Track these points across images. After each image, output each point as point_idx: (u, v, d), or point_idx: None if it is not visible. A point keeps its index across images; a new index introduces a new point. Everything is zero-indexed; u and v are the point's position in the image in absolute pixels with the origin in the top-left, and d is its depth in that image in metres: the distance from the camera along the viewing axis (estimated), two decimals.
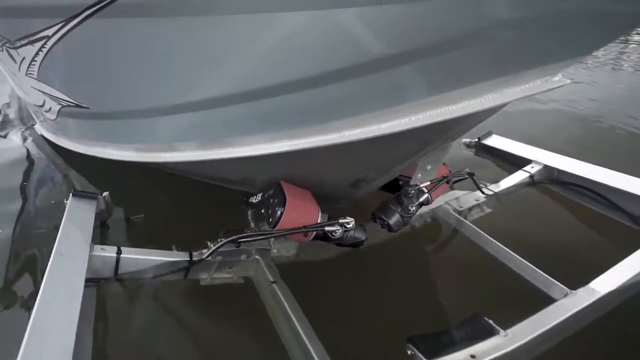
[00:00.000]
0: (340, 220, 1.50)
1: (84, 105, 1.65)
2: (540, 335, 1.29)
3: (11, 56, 1.84)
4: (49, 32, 1.43)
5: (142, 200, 2.31)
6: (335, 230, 1.48)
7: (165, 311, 1.65)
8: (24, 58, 1.74)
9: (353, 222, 1.50)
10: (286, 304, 1.44)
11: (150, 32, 1.21)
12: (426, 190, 1.57)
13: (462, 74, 0.97)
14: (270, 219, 1.48)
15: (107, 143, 1.78)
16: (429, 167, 1.32)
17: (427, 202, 1.60)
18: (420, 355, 1.19)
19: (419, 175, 1.35)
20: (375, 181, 1.54)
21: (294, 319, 1.38)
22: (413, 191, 1.55)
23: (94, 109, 1.63)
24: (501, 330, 1.27)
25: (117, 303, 1.58)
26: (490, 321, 1.30)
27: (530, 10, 0.83)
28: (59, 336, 1.10)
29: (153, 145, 1.59)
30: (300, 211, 1.48)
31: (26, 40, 1.59)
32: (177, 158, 1.52)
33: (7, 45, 1.79)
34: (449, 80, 0.99)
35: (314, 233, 1.50)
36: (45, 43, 1.49)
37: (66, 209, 1.71)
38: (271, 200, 1.53)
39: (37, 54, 1.59)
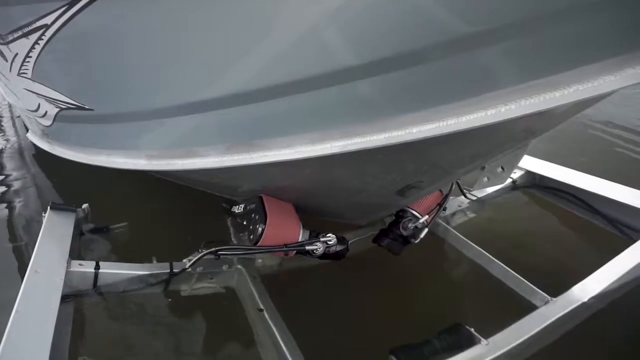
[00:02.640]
0: (322, 239, 1.48)
1: (86, 107, 1.43)
2: (521, 344, 1.29)
3: (1, 53, 1.62)
4: (47, 20, 1.21)
5: (123, 209, 2.25)
6: (317, 248, 1.47)
7: (145, 321, 1.62)
8: (16, 55, 1.51)
9: (334, 239, 1.49)
10: (275, 331, 1.39)
11: (170, 14, 1.00)
12: (424, 225, 1.64)
13: (571, 51, 0.78)
14: (252, 236, 1.45)
15: (112, 150, 1.56)
16: (499, 170, 1.13)
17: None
18: None
19: (485, 179, 1.16)
20: (428, 187, 1.34)
21: (282, 346, 1.33)
22: (412, 225, 1.64)
23: (98, 111, 1.41)
24: (482, 339, 1.28)
25: (96, 315, 1.55)
26: (472, 330, 1.31)
27: None
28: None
29: (168, 150, 1.37)
30: (281, 229, 1.46)
31: (19, 33, 1.36)
32: (197, 165, 1.31)
33: None
34: (552, 61, 0.80)
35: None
36: (43, 34, 1.27)
37: (43, 222, 1.64)
38: (253, 215, 1.49)
39: (32, 47, 1.37)
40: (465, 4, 0.75)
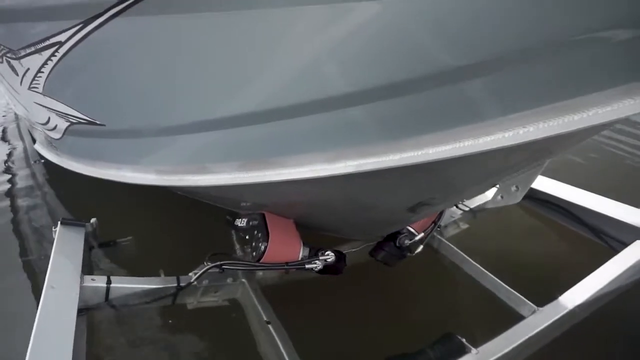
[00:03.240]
0: (320, 257, 1.54)
1: (98, 122, 1.43)
2: (509, 352, 1.36)
3: (12, 68, 1.62)
4: (61, 38, 1.21)
5: (128, 222, 2.29)
6: (316, 266, 1.53)
7: (153, 333, 1.70)
8: (28, 69, 1.51)
9: (333, 256, 1.54)
10: (279, 342, 1.45)
11: (187, 32, 1.00)
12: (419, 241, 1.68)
13: (592, 75, 0.78)
14: (254, 253, 1.51)
15: (122, 164, 1.56)
16: (513, 188, 1.13)
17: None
18: None
19: (499, 197, 1.15)
20: (440, 205, 1.34)
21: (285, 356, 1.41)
22: (408, 242, 1.68)
23: (110, 126, 1.41)
24: (473, 349, 1.34)
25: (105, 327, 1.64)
26: (463, 340, 1.37)
27: None
28: None
29: (179, 166, 1.37)
30: (283, 247, 1.51)
31: (32, 49, 1.37)
32: (209, 182, 1.30)
33: (8, 55, 1.57)
34: (571, 85, 0.80)
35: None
36: (56, 50, 1.27)
37: (55, 238, 1.67)
38: (255, 231, 1.54)
39: (45, 63, 1.37)
40: (487, 29, 0.75)
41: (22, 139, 3.62)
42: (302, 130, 1.04)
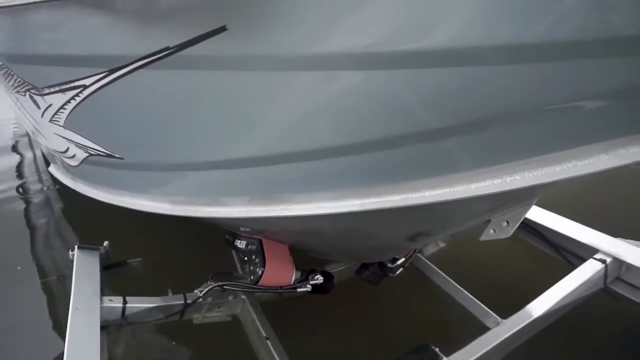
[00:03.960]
0: (311, 281, 1.71)
1: (117, 156, 1.52)
2: None
3: (35, 102, 1.72)
4: (86, 82, 1.31)
5: (136, 243, 2.46)
6: (307, 289, 1.71)
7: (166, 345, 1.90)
8: (50, 105, 1.61)
9: (322, 279, 1.72)
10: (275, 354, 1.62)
11: (202, 85, 1.10)
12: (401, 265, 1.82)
13: (573, 133, 0.87)
14: (252, 276, 1.66)
15: (137, 193, 1.65)
16: (504, 224, 1.22)
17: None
18: None
19: (491, 231, 1.24)
20: (438, 235, 1.43)
21: None
22: (390, 265, 1.82)
23: (128, 160, 1.50)
24: (444, 357, 1.48)
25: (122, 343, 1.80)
26: (437, 349, 1.50)
27: None
28: None
29: (193, 198, 1.46)
30: (278, 273, 1.67)
31: (57, 88, 1.47)
32: (221, 214, 1.39)
33: (32, 91, 1.67)
34: (554, 141, 0.89)
35: None
36: (80, 92, 1.37)
37: (74, 262, 1.84)
38: (253, 256, 1.68)
39: (68, 102, 1.47)
40: (481, 92, 0.84)
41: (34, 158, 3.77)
42: (307, 172, 1.13)
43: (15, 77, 1.72)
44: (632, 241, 2.04)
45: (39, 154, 3.70)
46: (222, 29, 0.91)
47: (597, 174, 0.92)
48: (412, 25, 0.78)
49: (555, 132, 0.88)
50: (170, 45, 1.00)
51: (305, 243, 1.81)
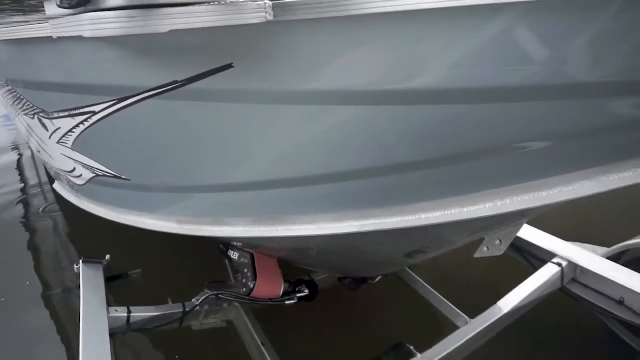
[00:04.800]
0: (298, 294, 1.85)
1: (124, 177, 1.57)
2: (447, 356, 1.69)
3: (43, 125, 1.78)
4: (95, 108, 1.37)
5: (135, 255, 2.56)
6: (294, 301, 1.84)
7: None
8: (58, 128, 1.67)
9: (307, 291, 1.86)
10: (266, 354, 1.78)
11: (210, 115, 1.15)
12: None
13: (560, 163, 0.93)
14: (244, 289, 1.79)
15: (144, 212, 1.70)
16: (497, 242, 1.28)
17: None
18: None
19: (485, 249, 1.30)
20: (433, 252, 1.49)
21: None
22: None
23: (135, 181, 1.56)
24: (418, 354, 1.65)
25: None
26: (412, 347, 1.68)
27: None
28: None
29: (199, 218, 1.52)
30: (268, 286, 1.79)
31: (66, 114, 1.53)
32: (225, 233, 1.45)
33: (41, 114, 1.73)
34: (543, 169, 0.95)
35: None
36: (89, 117, 1.42)
37: (80, 276, 1.96)
38: (245, 270, 1.78)
39: (76, 126, 1.52)
40: (471, 127, 0.90)
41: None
42: (309, 195, 1.19)
43: (25, 101, 1.78)
44: (587, 245, 2.21)
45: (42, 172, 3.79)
46: (229, 66, 0.97)
47: (583, 198, 0.99)
48: (402, 68, 0.85)
49: (540, 161, 0.94)
50: (179, 79, 1.06)
51: (302, 259, 1.88)
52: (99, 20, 0.85)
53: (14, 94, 1.86)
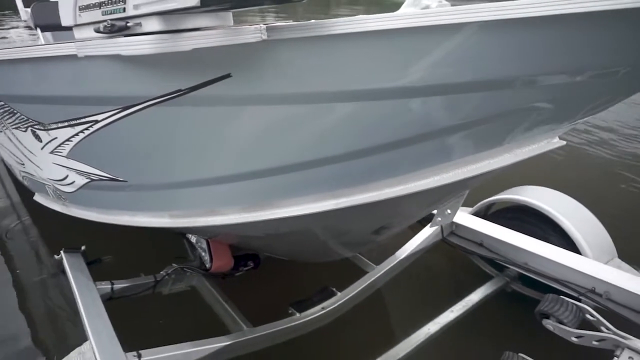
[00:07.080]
0: (245, 268, 2.45)
1: (120, 179, 1.75)
2: (358, 292, 2.32)
3: (36, 137, 1.92)
4: (98, 117, 1.55)
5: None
6: (242, 273, 2.45)
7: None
8: (54, 138, 1.82)
9: (252, 264, 2.47)
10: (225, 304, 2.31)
11: (208, 118, 1.37)
12: None
13: (486, 141, 1.23)
14: (202, 267, 2.37)
15: (137, 212, 1.87)
16: (448, 211, 1.57)
17: None
18: (296, 312, 2.16)
19: (439, 219, 1.59)
20: (396, 227, 1.76)
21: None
22: None
23: (131, 182, 1.74)
24: (338, 292, 2.28)
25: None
26: (334, 288, 2.31)
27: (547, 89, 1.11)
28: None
29: (191, 210, 1.72)
30: (222, 265, 2.33)
31: (65, 124, 1.69)
32: (217, 222, 1.66)
33: (35, 126, 1.87)
34: (473, 146, 1.25)
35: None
36: (90, 126, 1.60)
37: (65, 263, 2.35)
38: (202, 253, 2.33)
39: (75, 135, 1.69)
40: (413, 117, 1.19)
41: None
42: (292, 181, 1.43)
43: (18, 114, 1.91)
44: (463, 207, 2.58)
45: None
46: (227, 75, 1.20)
47: (506, 167, 1.30)
48: (364, 73, 1.12)
49: (471, 141, 1.24)
50: (182, 88, 1.28)
51: (279, 248, 2.13)
52: (136, 42, 1.07)
53: (5, 108, 1.98)
